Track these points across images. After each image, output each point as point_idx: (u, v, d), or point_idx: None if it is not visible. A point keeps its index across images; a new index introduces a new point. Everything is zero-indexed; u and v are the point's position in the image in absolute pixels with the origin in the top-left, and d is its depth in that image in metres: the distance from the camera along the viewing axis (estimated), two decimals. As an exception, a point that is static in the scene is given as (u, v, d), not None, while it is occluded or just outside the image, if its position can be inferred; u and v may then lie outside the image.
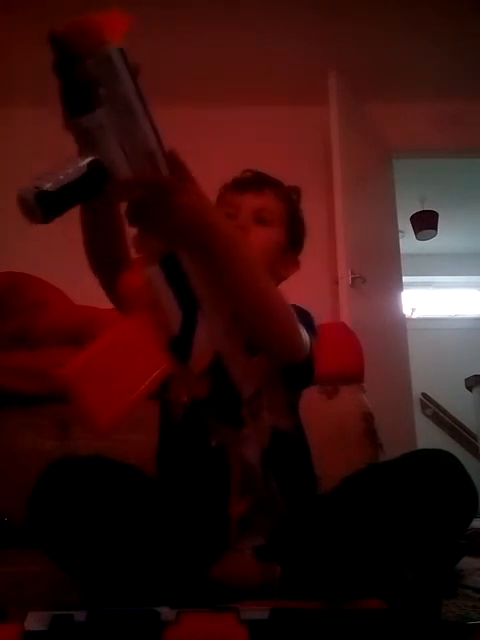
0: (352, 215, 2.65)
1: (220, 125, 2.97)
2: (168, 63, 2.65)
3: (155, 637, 0.66)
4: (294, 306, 0.82)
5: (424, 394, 4.59)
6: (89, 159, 0.56)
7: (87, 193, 0.57)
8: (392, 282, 3.01)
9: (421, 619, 0.80)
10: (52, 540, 0.81)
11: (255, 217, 0.96)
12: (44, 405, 1.48)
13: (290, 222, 1.01)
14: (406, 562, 0.86)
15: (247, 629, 0.65)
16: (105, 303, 0.86)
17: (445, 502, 0.80)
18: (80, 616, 0.69)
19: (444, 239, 4.56)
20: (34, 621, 0.68)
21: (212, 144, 2.79)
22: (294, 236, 1.03)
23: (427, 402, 4.65)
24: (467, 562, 1.45)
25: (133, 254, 0.70)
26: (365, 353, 1.77)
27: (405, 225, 4.16)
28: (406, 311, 3.94)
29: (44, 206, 0.52)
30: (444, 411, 4.66)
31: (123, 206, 0.64)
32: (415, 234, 4.35)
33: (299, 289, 1.03)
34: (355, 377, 1.71)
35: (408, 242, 4.12)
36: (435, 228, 4.31)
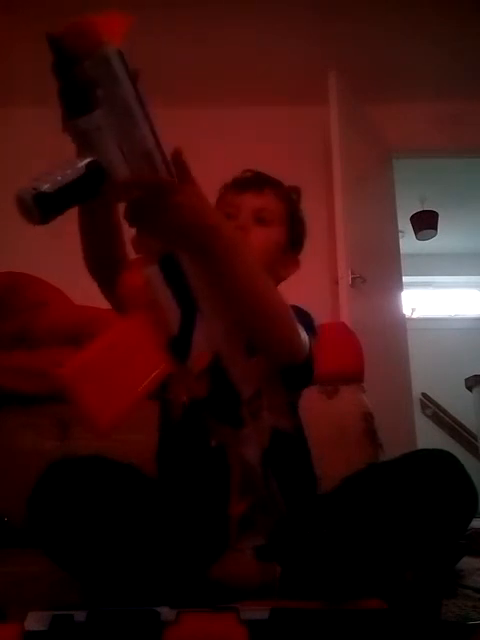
0: (352, 215, 2.65)
1: (220, 125, 2.97)
2: (168, 63, 2.65)
3: (155, 637, 0.66)
4: (294, 307, 0.82)
5: (424, 394, 4.59)
6: (87, 160, 0.56)
7: (85, 194, 0.57)
8: (392, 282, 3.01)
9: (421, 619, 0.80)
10: (52, 540, 0.81)
11: (255, 217, 0.96)
12: (44, 405, 1.48)
13: (290, 222, 1.01)
14: (406, 562, 0.86)
15: (247, 629, 0.65)
16: (105, 303, 0.86)
17: (445, 502, 0.80)
18: (80, 616, 0.69)
19: (444, 239, 4.56)
20: (34, 621, 0.68)
21: (212, 144, 2.79)
22: (294, 236, 1.03)
23: (427, 402, 4.65)
24: (467, 562, 1.45)
25: (131, 255, 0.70)
26: (365, 353, 1.77)
27: (405, 225, 4.16)
28: (406, 311, 3.94)
29: (42, 207, 0.52)
30: (444, 411, 4.66)
31: (121, 208, 0.64)
32: (415, 234, 4.35)
33: (299, 289, 1.03)
34: (355, 377, 1.71)
35: (408, 242, 4.12)
36: (435, 228, 4.31)
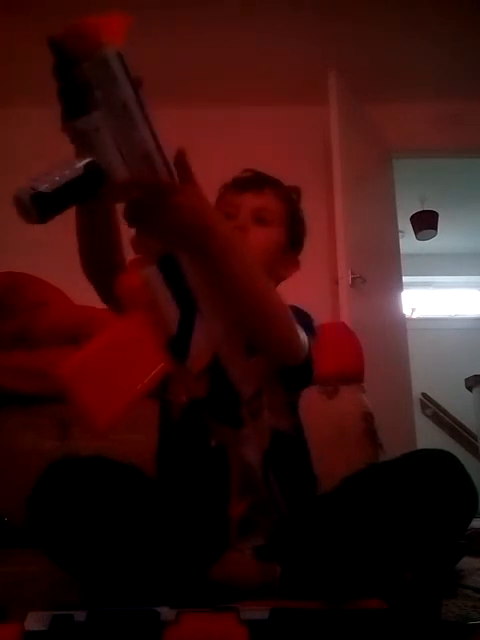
0: (352, 215, 2.65)
1: (220, 125, 2.97)
2: (168, 63, 2.65)
3: (155, 637, 0.66)
4: (293, 307, 0.82)
5: (424, 394, 4.59)
6: (85, 161, 0.56)
7: (83, 194, 0.57)
8: (392, 282, 3.01)
9: (421, 619, 0.80)
10: (52, 540, 0.81)
11: (255, 217, 0.96)
12: (44, 405, 1.48)
13: (290, 222, 1.01)
14: (406, 562, 0.86)
15: (247, 629, 0.65)
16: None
17: (445, 502, 0.80)
18: (80, 616, 0.69)
19: (444, 239, 4.56)
20: (34, 621, 0.68)
21: (212, 144, 2.78)
22: (294, 236, 1.03)
23: (427, 402, 4.65)
24: (467, 562, 1.45)
25: (129, 258, 0.70)
26: (365, 353, 1.77)
27: (405, 225, 4.16)
28: (406, 311, 3.94)
29: (40, 207, 0.52)
30: (444, 411, 4.66)
31: (120, 209, 0.64)
32: (415, 234, 4.35)
33: (299, 289, 1.03)
34: (355, 377, 1.71)
35: (408, 242, 4.12)
36: (435, 228, 4.31)
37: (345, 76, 2.74)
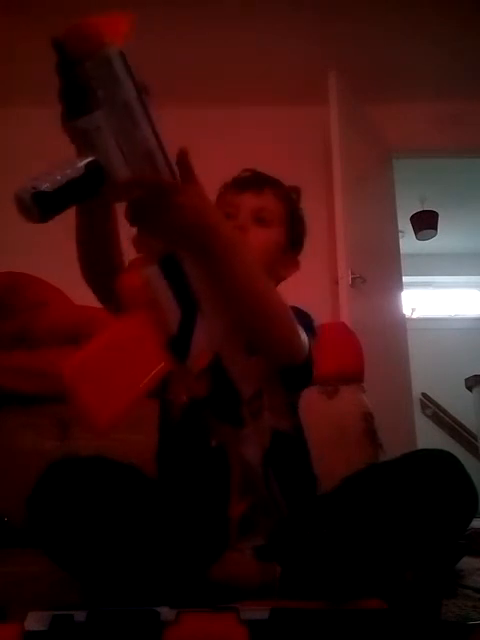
0: (352, 215, 2.65)
1: (220, 125, 2.97)
2: (168, 63, 2.65)
3: (155, 637, 0.66)
4: (293, 308, 0.82)
5: (424, 394, 4.59)
6: (87, 160, 0.56)
7: (84, 193, 0.57)
8: (392, 282, 3.01)
9: (421, 619, 0.80)
10: (52, 540, 0.81)
11: (254, 217, 0.96)
12: (44, 405, 1.48)
13: (290, 222, 1.01)
14: (406, 562, 0.86)
15: (247, 629, 0.65)
16: (104, 304, 0.86)
17: (445, 502, 0.80)
18: (80, 616, 0.69)
19: (444, 239, 4.56)
20: (34, 621, 0.68)
21: (212, 144, 2.78)
22: (294, 236, 1.03)
23: (427, 402, 4.65)
24: (467, 562, 1.45)
25: (130, 258, 0.70)
26: (365, 353, 1.77)
27: (405, 225, 4.16)
28: (406, 311, 3.94)
29: (41, 206, 0.52)
30: (444, 411, 4.66)
31: (120, 210, 0.64)
32: (415, 234, 4.35)
33: (299, 289, 1.03)
34: (355, 377, 1.71)
35: (408, 242, 4.12)
36: (435, 228, 4.31)
37: (345, 76, 2.74)
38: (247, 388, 0.79)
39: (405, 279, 3.14)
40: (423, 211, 4.24)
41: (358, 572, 0.80)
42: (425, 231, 4.31)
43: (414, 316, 4.98)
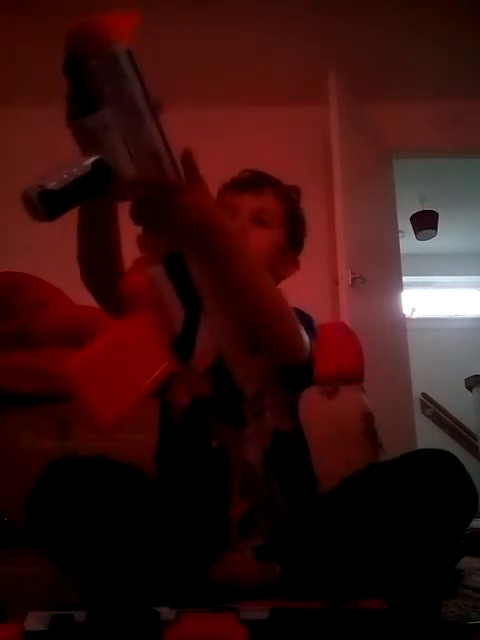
0: (352, 215, 2.64)
1: (220, 125, 2.96)
2: (168, 63, 2.65)
3: (155, 637, 0.66)
4: (294, 308, 0.82)
5: (424, 394, 4.59)
6: (93, 158, 0.56)
7: (90, 192, 0.57)
8: (392, 282, 3.01)
9: (421, 619, 0.80)
10: (52, 540, 0.81)
11: (254, 218, 0.96)
12: (44, 405, 1.48)
13: (290, 222, 1.01)
14: (406, 562, 0.86)
15: (247, 629, 0.65)
16: (105, 303, 0.85)
17: (445, 502, 0.80)
18: (80, 616, 0.69)
19: (444, 239, 4.56)
20: (34, 621, 0.68)
21: (212, 144, 2.78)
22: (294, 236, 1.03)
23: (427, 402, 4.65)
24: (467, 562, 1.45)
25: (133, 257, 0.69)
26: (365, 353, 1.77)
27: (405, 225, 4.16)
28: (406, 311, 3.94)
29: (47, 204, 0.52)
30: (444, 411, 4.66)
31: (125, 211, 0.64)
32: (415, 234, 4.35)
33: (299, 289, 1.03)
34: (355, 377, 1.71)
35: (408, 242, 4.12)
36: (435, 228, 4.31)
37: (345, 76, 2.74)
38: (249, 388, 0.79)
39: (405, 279, 3.14)
40: (423, 211, 4.23)
41: (358, 572, 0.80)
42: (425, 231, 4.31)
43: (414, 316, 4.98)
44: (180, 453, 0.93)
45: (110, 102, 0.56)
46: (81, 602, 0.84)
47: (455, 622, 0.99)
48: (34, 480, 0.81)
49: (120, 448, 0.92)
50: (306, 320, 0.87)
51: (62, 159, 0.56)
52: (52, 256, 2.42)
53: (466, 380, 3.57)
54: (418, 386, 3.58)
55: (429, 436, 3.96)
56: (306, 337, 0.82)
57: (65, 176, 0.54)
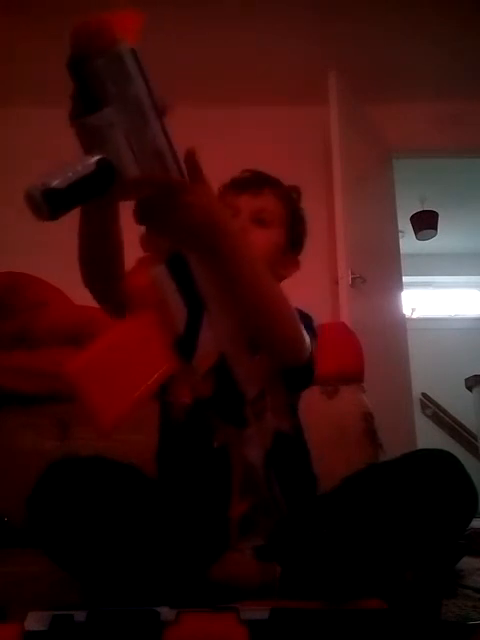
0: (352, 215, 2.65)
1: (220, 125, 2.96)
2: (169, 63, 2.65)
3: (155, 637, 0.66)
4: (295, 309, 0.82)
5: (424, 394, 4.59)
6: (97, 157, 0.56)
7: (94, 191, 0.56)
8: (392, 282, 3.01)
9: (421, 619, 0.80)
10: (52, 540, 0.81)
11: (254, 218, 0.96)
12: (44, 405, 1.48)
13: (290, 222, 1.01)
14: (406, 562, 0.86)
15: (247, 629, 0.65)
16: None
17: (445, 502, 0.80)
18: (80, 616, 0.69)
19: (444, 239, 4.56)
20: (34, 621, 0.68)
21: (212, 144, 2.77)
22: (294, 236, 1.02)
23: (427, 402, 4.65)
24: (467, 562, 1.45)
25: (135, 257, 0.69)
26: (365, 353, 1.77)
27: (405, 225, 4.16)
28: (406, 311, 3.94)
29: (51, 203, 0.52)
30: (444, 411, 4.66)
31: (128, 211, 0.64)
32: (415, 234, 4.35)
33: (299, 289, 1.03)
34: (355, 377, 1.71)
35: (408, 242, 4.12)
36: (435, 228, 4.31)
37: (345, 76, 2.74)
38: (251, 388, 0.79)
39: (405, 279, 3.14)
40: (423, 211, 4.24)
41: (358, 572, 0.80)
42: (425, 231, 4.31)
43: (414, 316, 4.98)
44: (181, 453, 0.93)
45: (114, 101, 0.56)
46: (81, 602, 0.84)
47: (455, 622, 0.99)
48: (34, 480, 0.81)
49: (120, 448, 0.92)
50: (306, 320, 0.87)
51: (62, 159, 0.56)
52: (52, 256, 2.42)
53: (466, 380, 3.57)
54: (418, 386, 3.58)
55: (429, 436, 3.96)
56: (307, 337, 0.82)
57: (69, 175, 0.53)
